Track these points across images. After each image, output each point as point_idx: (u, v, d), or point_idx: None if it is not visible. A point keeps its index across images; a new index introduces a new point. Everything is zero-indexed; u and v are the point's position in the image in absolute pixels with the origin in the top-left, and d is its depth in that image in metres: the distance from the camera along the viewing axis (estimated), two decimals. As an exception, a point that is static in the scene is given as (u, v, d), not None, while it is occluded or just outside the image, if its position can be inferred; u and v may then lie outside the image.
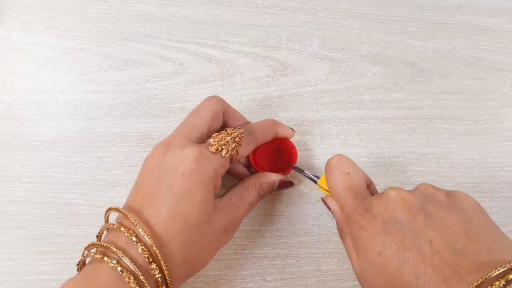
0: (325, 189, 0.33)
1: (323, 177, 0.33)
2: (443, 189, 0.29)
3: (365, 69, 0.44)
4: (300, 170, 0.36)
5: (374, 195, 0.29)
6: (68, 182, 0.38)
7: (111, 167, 0.39)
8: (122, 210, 0.27)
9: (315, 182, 0.34)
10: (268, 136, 0.34)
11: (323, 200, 0.33)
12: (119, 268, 0.25)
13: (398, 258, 0.25)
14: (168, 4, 0.46)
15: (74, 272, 0.35)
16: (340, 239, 0.37)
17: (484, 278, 0.22)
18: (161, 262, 0.26)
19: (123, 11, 0.45)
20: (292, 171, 0.37)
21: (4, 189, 0.37)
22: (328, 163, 0.31)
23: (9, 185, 0.38)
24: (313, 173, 0.34)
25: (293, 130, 0.36)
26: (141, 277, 0.25)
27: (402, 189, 0.28)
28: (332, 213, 0.32)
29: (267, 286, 0.35)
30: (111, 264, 0.25)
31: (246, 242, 0.36)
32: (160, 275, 0.26)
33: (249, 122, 0.35)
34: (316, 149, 0.40)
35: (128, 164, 0.39)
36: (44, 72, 0.42)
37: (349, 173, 0.30)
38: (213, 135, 0.30)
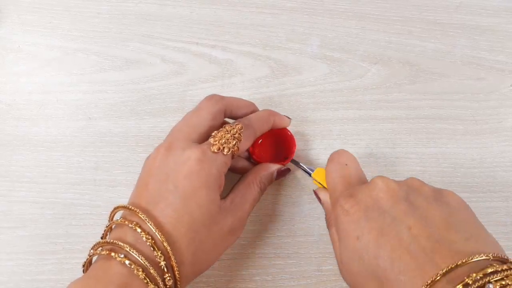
0: (319, 182, 0.34)
1: (317, 170, 0.34)
2: (431, 186, 0.29)
3: (365, 69, 0.44)
4: (296, 163, 0.36)
5: (363, 184, 0.30)
6: (68, 182, 0.38)
7: (111, 167, 0.39)
8: (130, 207, 0.27)
9: (309, 174, 0.35)
10: (265, 127, 0.35)
11: (315, 192, 0.34)
12: (127, 262, 0.25)
13: (375, 243, 0.25)
14: (168, 4, 0.46)
15: (74, 272, 0.35)
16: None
17: (455, 264, 0.22)
18: (172, 258, 0.26)
19: (123, 11, 0.45)
20: (289, 163, 0.37)
21: (4, 189, 0.38)
22: (330, 156, 0.33)
23: (9, 185, 0.38)
24: (308, 166, 0.36)
25: (288, 118, 0.37)
26: (151, 271, 0.25)
27: (389, 178, 0.28)
28: (322, 204, 0.33)
29: (267, 286, 0.35)
30: (118, 259, 0.25)
31: (246, 242, 0.36)
32: (166, 267, 0.26)
33: (253, 105, 0.36)
34: (316, 149, 0.40)
35: (128, 164, 0.39)
36: (44, 72, 0.42)
37: (346, 164, 0.31)
38: (213, 133, 0.30)
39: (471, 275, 0.21)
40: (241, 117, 0.34)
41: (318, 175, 0.34)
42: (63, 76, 0.42)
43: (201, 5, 0.46)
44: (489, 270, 0.21)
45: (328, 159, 0.33)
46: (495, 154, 0.41)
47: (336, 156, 0.32)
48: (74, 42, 0.44)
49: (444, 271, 0.22)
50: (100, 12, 0.45)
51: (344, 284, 0.35)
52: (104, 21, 0.45)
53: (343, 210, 0.28)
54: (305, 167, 0.36)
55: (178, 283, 0.27)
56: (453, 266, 0.22)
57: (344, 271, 0.28)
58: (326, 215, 0.33)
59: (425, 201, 0.26)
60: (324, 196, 0.33)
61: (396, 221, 0.25)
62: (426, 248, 0.24)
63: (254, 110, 0.36)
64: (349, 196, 0.28)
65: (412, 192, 0.27)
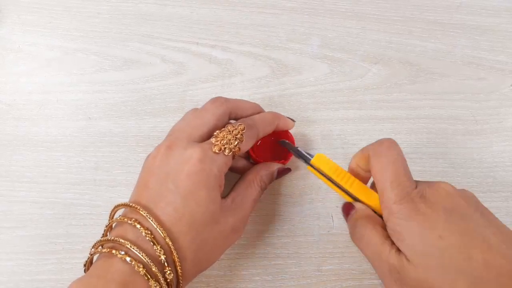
0: (316, 170, 0.32)
1: (317, 155, 0.32)
2: None
3: (365, 69, 0.44)
4: (293, 148, 0.34)
5: (422, 183, 0.29)
6: (68, 182, 0.38)
7: (111, 167, 0.39)
8: (131, 205, 0.27)
9: (307, 161, 0.32)
10: (269, 129, 0.34)
11: (347, 205, 0.31)
12: (128, 259, 0.25)
13: (463, 245, 0.26)
14: (168, 4, 0.46)
15: (74, 272, 0.35)
16: (338, 239, 0.37)
17: None
18: (174, 253, 0.26)
19: (123, 11, 0.45)
20: (290, 162, 0.37)
21: (4, 189, 0.37)
22: (382, 142, 0.30)
23: (9, 185, 0.38)
24: (307, 152, 0.33)
25: (293, 120, 0.37)
26: (152, 267, 0.25)
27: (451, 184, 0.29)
28: (354, 212, 0.31)
29: (267, 286, 0.35)
30: (119, 256, 0.25)
31: (246, 242, 0.36)
32: (166, 261, 0.26)
33: (259, 106, 0.36)
34: (316, 149, 0.40)
35: (128, 164, 0.39)
36: (44, 72, 0.42)
37: (398, 155, 0.30)
38: (215, 133, 0.30)
39: None
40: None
41: (319, 161, 0.32)
42: (63, 76, 0.42)
43: (201, 5, 0.46)
44: None
45: (383, 144, 0.30)
46: (495, 154, 0.40)
47: (391, 144, 0.30)
48: (74, 42, 0.44)
49: None
50: (100, 12, 0.45)
51: (344, 284, 0.35)
52: (104, 21, 0.45)
53: (417, 208, 0.27)
54: (303, 152, 0.33)
55: (180, 279, 0.27)
56: None
57: (416, 270, 0.26)
58: (350, 221, 0.31)
59: (487, 211, 0.28)
60: (361, 205, 0.31)
61: (480, 227, 0.26)
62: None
63: (259, 111, 0.36)
64: (422, 195, 0.28)
65: (477, 201, 0.29)
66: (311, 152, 0.34)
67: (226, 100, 0.33)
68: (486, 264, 0.25)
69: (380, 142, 0.31)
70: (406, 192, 0.28)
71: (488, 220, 0.27)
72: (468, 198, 0.28)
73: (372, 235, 0.29)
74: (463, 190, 0.29)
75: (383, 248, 0.28)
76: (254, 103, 0.36)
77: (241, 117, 0.34)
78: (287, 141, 0.36)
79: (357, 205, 0.31)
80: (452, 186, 0.29)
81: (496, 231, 0.26)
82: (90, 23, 0.45)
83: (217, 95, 0.34)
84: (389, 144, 0.30)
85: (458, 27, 0.46)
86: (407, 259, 0.27)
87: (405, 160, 0.30)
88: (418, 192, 0.28)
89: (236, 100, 0.34)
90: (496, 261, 0.25)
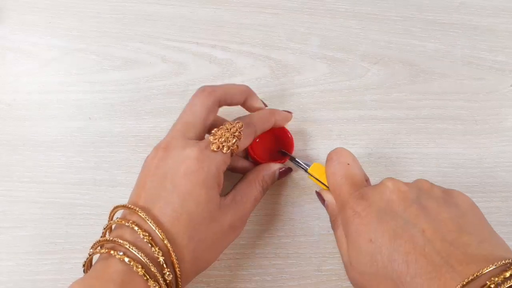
0: (315, 178, 0.34)
1: (314, 165, 0.34)
2: (440, 186, 0.29)
3: (365, 69, 0.44)
4: (292, 158, 0.36)
5: (372, 185, 0.30)
6: (68, 182, 0.38)
7: (111, 167, 0.39)
8: (130, 206, 0.27)
9: (305, 170, 0.35)
10: (266, 126, 0.35)
11: (318, 193, 0.34)
12: (126, 259, 0.25)
13: (389, 246, 0.25)
14: (168, 4, 0.46)
15: (74, 272, 0.35)
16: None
17: (478, 273, 0.22)
18: (172, 255, 0.26)
19: (123, 11, 0.45)
20: (290, 162, 0.37)
21: (4, 189, 0.37)
22: (328, 154, 0.32)
23: (9, 185, 0.38)
24: (304, 161, 0.35)
25: (289, 112, 0.37)
26: (151, 267, 0.25)
27: (399, 180, 0.29)
28: (326, 205, 0.33)
29: (267, 286, 0.35)
30: (118, 256, 0.25)
31: (246, 242, 0.36)
32: (165, 263, 0.26)
33: (248, 89, 0.35)
34: (316, 149, 0.40)
35: (128, 164, 0.39)
36: (44, 72, 0.42)
37: (348, 164, 0.31)
38: (212, 131, 0.30)
39: (492, 279, 0.22)
40: (237, 104, 0.35)
41: (316, 170, 0.34)
42: (63, 76, 0.42)
43: (201, 5, 0.46)
44: (508, 274, 0.22)
45: (327, 159, 0.32)
46: (495, 154, 0.41)
47: (335, 155, 0.32)
48: (73, 42, 0.44)
49: (469, 279, 0.22)
50: (100, 12, 0.45)
51: (344, 284, 0.35)
52: (104, 21, 0.45)
53: (354, 212, 0.28)
54: (301, 162, 0.35)
55: (179, 280, 0.27)
56: (478, 274, 0.22)
57: (354, 273, 0.28)
58: (331, 217, 0.32)
59: (435, 203, 0.27)
60: (329, 197, 0.32)
61: (409, 224, 0.26)
62: (441, 251, 0.24)
63: (249, 94, 0.35)
64: (360, 198, 0.28)
65: (422, 194, 0.28)
66: (309, 156, 0.36)
67: (213, 89, 0.33)
68: (407, 265, 0.24)
69: (332, 150, 0.33)
70: (345, 199, 0.29)
71: (426, 212, 0.26)
72: (409, 191, 0.27)
73: (339, 231, 0.31)
74: (414, 182, 0.29)
75: (342, 244, 0.30)
76: (243, 85, 0.35)
77: (231, 104, 0.34)
78: (284, 150, 0.37)
79: (327, 198, 0.32)
80: (395, 181, 0.28)
81: (431, 225, 0.25)
82: (90, 23, 0.44)
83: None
84: (331, 156, 0.32)
85: (458, 27, 0.46)
86: (350, 262, 0.28)
87: (346, 167, 0.31)
88: (358, 194, 0.29)
89: (224, 86, 0.33)
90: (418, 261, 0.24)
